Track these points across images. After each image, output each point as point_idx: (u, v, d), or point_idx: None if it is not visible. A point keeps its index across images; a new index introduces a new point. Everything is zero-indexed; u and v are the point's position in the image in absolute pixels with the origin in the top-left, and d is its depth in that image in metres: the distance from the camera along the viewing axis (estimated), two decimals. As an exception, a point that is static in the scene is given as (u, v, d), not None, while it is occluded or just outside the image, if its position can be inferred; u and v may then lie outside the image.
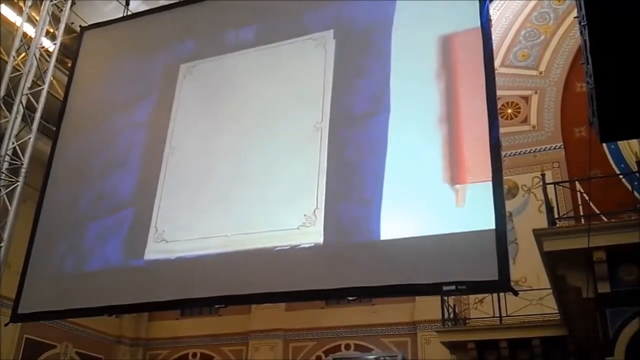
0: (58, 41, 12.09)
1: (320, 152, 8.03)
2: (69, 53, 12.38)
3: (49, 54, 12.08)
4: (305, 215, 7.78)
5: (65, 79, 11.54)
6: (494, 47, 8.06)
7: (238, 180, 8.53)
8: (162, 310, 14.67)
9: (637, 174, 9.97)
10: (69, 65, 11.86)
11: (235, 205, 8.36)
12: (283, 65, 9.04)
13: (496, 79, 7.60)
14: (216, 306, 10.30)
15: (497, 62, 12.36)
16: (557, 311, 9.91)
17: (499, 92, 7.77)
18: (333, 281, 7.42)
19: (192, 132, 9.29)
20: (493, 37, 8.04)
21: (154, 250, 8.62)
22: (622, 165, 12.32)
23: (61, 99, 11.24)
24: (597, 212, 10.16)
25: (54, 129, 10.82)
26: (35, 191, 10.46)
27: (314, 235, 7.63)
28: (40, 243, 9.56)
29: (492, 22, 8.22)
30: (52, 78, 12.08)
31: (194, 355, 15.90)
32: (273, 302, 13.06)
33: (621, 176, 11.35)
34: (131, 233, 8.91)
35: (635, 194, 9.68)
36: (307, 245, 7.63)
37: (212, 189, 8.65)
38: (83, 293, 8.85)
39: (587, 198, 10.45)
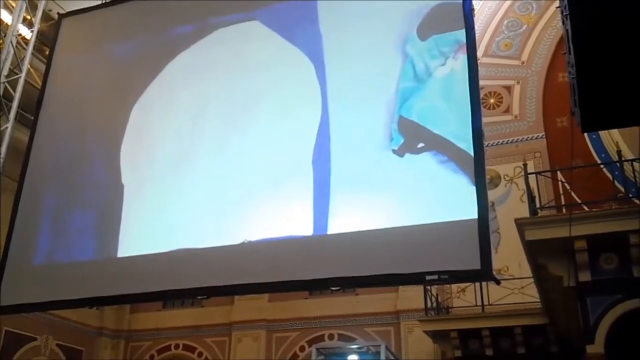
0: (35, 29, 11.92)
1: (309, 142, 8.01)
2: (47, 41, 12.21)
3: (26, 41, 11.91)
4: (291, 206, 7.76)
5: (43, 67, 11.36)
6: (476, 37, 8.06)
7: (220, 172, 8.48)
8: (144, 302, 14.58)
9: (617, 163, 10.03)
10: (47, 53, 11.68)
11: (217, 197, 8.33)
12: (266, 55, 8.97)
13: (479, 68, 7.59)
14: (198, 297, 10.27)
15: (479, 52, 12.36)
16: (538, 300, 9.99)
17: (481, 82, 7.77)
18: (317, 271, 7.41)
19: (174, 123, 9.20)
20: (476, 27, 8.03)
21: (135, 243, 8.55)
22: (603, 155, 12.42)
23: (39, 87, 11.07)
24: (579, 201, 10.23)
25: (32, 118, 10.67)
26: (14, 182, 10.31)
27: (300, 226, 7.60)
28: (19, 234, 9.43)
29: (475, 12, 8.18)
30: (29, 66, 11.91)
31: (177, 346, 15.84)
32: (256, 292, 13.03)
33: (602, 166, 11.42)
34: (111, 225, 8.82)
35: (616, 183, 9.72)
36: (292, 237, 7.60)
37: (191, 184, 8.58)
38: (63, 285, 8.77)
39: (568, 187, 10.51)
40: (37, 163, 9.89)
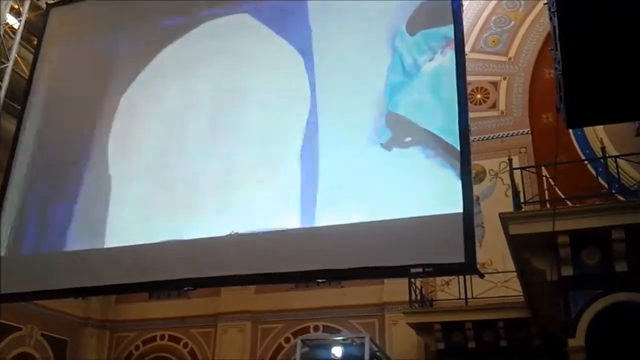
0: (23, 18, 11.83)
1: (297, 135, 8.05)
2: (35, 30, 12.11)
3: (14, 31, 11.82)
4: (278, 198, 7.79)
5: (31, 56, 11.29)
6: (464, 33, 8.12)
7: (208, 164, 8.49)
8: (130, 293, 14.54)
9: (601, 160, 10.16)
10: (35, 43, 11.60)
11: (205, 189, 8.34)
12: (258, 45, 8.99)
13: (466, 64, 7.65)
14: (185, 288, 10.28)
15: (467, 48, 12.42)
16: (521, 293, 10.09)
17: (468, 78, 7.83)
18: (303, 264, 7.47)
19: (163, 115, 9.19)
20: (464, 23, 8.08)
21: (122, 234, 8.55)
22: (588, 151, 12.55)
23: (26, 77, 11.00)
24: (562, 196, 10.33)
25: (19, 107, 10.60)
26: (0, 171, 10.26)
27: (286, 219, 7.64)
28: (6, 224, 9.39)
29: (464, 8, 8.24)
30: (16, 56, 11.82)
31: (162, 337, 15.81)
32: (242, 284, 13.05)
33: (586, 162, 11.55)
34: (98, 216, 8.81)
35: (600, 179, 9.86)
36: (279, 229, 7.64)
37: (179, 176, 8.59)
38: (50, 275, 8.76)
39: (552, 183, 10.62)
40: (24, 153, 9.85)
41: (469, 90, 9.18)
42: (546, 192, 11.19)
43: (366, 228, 7.20)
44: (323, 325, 14.37)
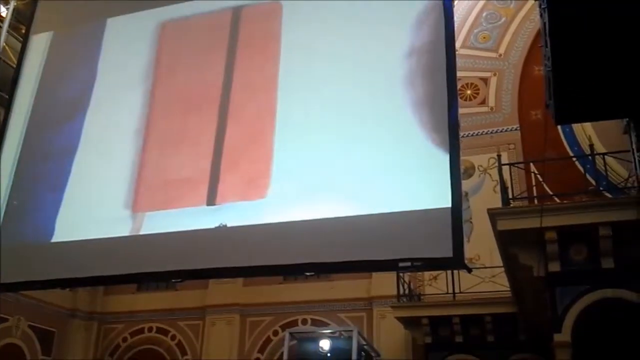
0: (11, 6, 11.72)
1: (273, 129, 8.02)
2: (23, 19, 12.00)
3: (2, 19, 11.71)
4: (262, 191, 7.77)
5: (19, 45, 11.19)
6: (455, 28, 8.12)
7: (193, 153, 8.46)
8: (118, 284, 14.51)
9: (589, 157, 10.22)
10: (23, 31, 11.49)
11: (193, 180, 8.31)
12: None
13: (457, 59, 7.65)
14: (173, 280, 10.27)
15: (458, 43, 12.45)
16: (508, 288, 10.16)
17: (459, 73, 7.84)
18: (292, 257, 7.45)
19: (151, 104, 9.14)
20: (455, 18, 8.09)
21: (108, 224, 8.50)
22: (576, 148, 12.65)
23: (14, 65, 10.90)
24: (550, 193, 10.40)
25: (7, 97, 10.51)
26: (-13, 161, 10.17)
27: (271, 212, 7.62)
28: (-6, 214, 9.33)
29: (455, 3, 8.25)
30: (4, 44, 11.73)
31: (150, 329, 15.81)
32: (231, 277, 13.06)
33: (574, 159, 11.64)
34: (82, 205, 8.76)
35: (588, 176, 9.93)
36: (265, 222, 7.62)
37: (165, 168, 8.54)
38: (37, 265, 8.69)
39: (540, 179, 10.68)
40: (12, 143, 9.77)
41: (459, 86, 9.20)
42: (534, 188, 11.26)
43: (355, 222, 7.18)
44: (311, 319, 14.42)
